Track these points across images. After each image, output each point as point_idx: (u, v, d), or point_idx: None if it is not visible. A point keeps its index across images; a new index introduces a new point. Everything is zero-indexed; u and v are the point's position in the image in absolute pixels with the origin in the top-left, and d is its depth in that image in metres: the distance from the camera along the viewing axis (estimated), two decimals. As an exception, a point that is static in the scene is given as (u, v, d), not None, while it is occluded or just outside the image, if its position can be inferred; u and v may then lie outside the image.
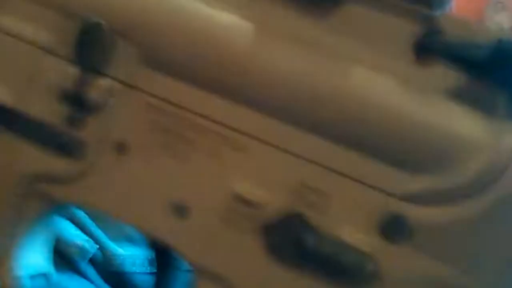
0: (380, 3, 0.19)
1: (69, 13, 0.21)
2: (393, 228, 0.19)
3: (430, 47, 0.19)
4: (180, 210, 0.21)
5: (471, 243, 0.19)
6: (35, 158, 0.22)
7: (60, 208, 0.24)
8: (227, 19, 0.20)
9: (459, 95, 0.19)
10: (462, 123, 0.19)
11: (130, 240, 0.45)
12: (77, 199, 0.23)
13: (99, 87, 0.21)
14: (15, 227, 0.23)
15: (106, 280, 0.48)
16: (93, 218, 0.42)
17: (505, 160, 0.19)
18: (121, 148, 0.21)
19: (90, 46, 0.20)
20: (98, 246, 0.43)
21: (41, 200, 0.23)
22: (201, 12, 0.20)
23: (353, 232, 0.20)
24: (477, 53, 0.18)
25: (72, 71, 0.21)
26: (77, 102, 0.21)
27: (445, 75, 0.19)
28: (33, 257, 0.26)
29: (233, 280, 0.21)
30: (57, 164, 0.22)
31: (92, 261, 0.43)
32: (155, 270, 0.27)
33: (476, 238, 0.19)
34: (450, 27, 0.19)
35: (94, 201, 0.22)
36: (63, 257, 0.41)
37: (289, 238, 0.20)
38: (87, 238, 0.43)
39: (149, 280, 0.43)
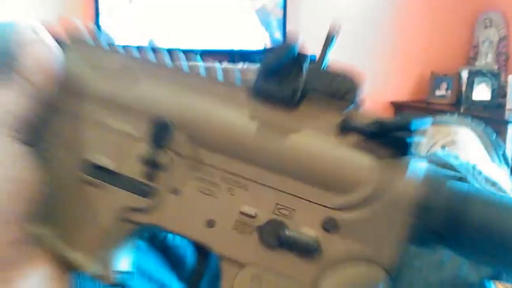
0: (317, 95, 0.35)
1: (148, 113, 0.36)
2: (328, 225, 0.34)
3: (347, 126, 0.34)
4: (211, 224, 0.36)
5: (374, 229, 0.33)
6: (125, 198, 0.36)
7: (143, 229, 0.38)
8: (240, 121, 0.36)
9: (362, 148, 0.34)
10: (361, 164, 0.34)
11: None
12: (153, 222, 0.36)
13: (166, 156, 0.36)
14: (114, 242, 0.37)
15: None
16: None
17: (387, 185, 0.33)
18: (177, 191, 0.36)
19: (163, 133, 0.35)
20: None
21: (130, 223, 0.36)
22: (229, 119, 0.36)
23: (307, 228, 0.34)
24: (370, 127, 0.34)
25: (148, 147, 0.36)
26: (152, 165, 0.35)
27: (354, 138, 0.34)
28: (125, 260, 0.39)
29: (242, 261, 0.35)
30: (139, 201, 0.36)
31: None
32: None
33: (376, 226, 0.33)
34: (360, 116, 0.35)
35: (164, 223, 0.36)
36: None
37: (273, 233, 0.34)
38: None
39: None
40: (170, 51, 0.39)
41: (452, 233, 0.33)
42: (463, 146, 0.89)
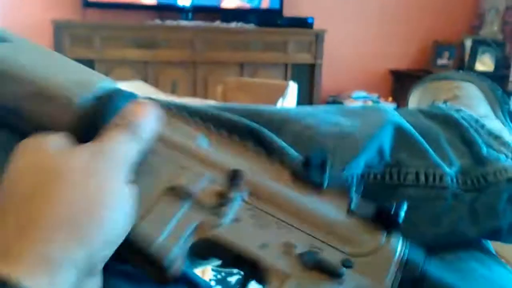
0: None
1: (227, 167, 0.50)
2: (346, 262, 0.47)
3: (351, 211, 0.50)
4: (264, 246, 0.46)
5: (375, 271, 0.47)
6: (201, 214, 0.47)
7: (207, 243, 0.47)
8: (285, 190, 0.50)
9: (363, 222, 0.49)
10: (363, 232, 0.49)
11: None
12: (218, 235, 0.46)
13: (233, 194, 0.48)
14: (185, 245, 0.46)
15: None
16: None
17: (382, 247, 0.48)
18: (238, 220, 0.47)
19: (237, 177, 0.48)
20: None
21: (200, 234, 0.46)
22: (277, 188, 0.50)
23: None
24: (367, 211, 0.50)
25: (224, 186, 0.48)
26: (223, 197, 0.47)
27: (358, 217, 0.50)
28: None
29: (288, 273, 0.45)
30: (211, 218, 0.46)
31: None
32: None
33: (376, 269, 0.47)
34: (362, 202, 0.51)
35: (226, 239, 0.46)
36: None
37: (309, 258, 0.46)
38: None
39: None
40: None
41: None
42: (466, 101, 0.86)
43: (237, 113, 0.66)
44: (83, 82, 0.49)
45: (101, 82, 0.49)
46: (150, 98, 0.53)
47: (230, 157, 0.51)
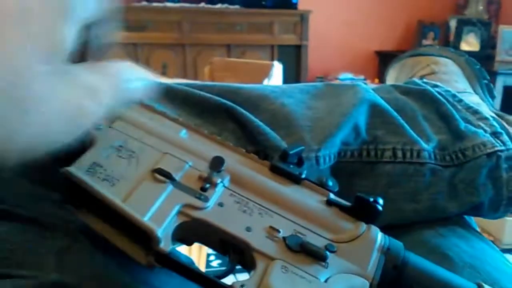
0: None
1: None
2: (329, 247, 0.47)
3: (330, 202, 0.50)
4: (248, 229, 0.46)
5: (357, 256, 0.47)
6: (185, 197, 0.46)
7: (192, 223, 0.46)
8: (265, 180, 0.51)
9: (341, 212, 0.50)
10: (341, 221, 0.49)
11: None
12: (203, 217, 0.46)
13: (216, 179, 0.48)
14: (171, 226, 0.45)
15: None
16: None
17: (362, 233, 0.49)
18: (221, 204, 0.47)
19: (219, 164, 0.49)
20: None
21: (185, 216, 0.46)
22: (258, 179, 0.51)
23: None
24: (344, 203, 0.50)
25: (203, 173, 0.48)
26: (207, 181, 0.47)
27: (337, 208, 0.50)
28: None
29: (273, 256, 0.45)
30: (195, 201, 0.46)
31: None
32: None
33: (358, 255, 0.47)
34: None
35: (212, 220, 0.46)
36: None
37: (294, 241, 0.46)
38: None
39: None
40: None
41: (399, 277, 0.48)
42: (444, 76, 0.85)
43: (215, 92, 0.66)
44: None
45: None
46: None
47: (211, 148, 0.52)
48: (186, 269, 0.44)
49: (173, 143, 0.51)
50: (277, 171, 0.52)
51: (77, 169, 0.45)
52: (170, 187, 0.47)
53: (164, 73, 4.37)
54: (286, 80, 3.08)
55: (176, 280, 0.51)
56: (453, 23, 4.16)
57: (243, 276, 0.44)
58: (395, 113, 0.70)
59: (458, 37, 4.09)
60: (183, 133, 0.53)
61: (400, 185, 0.68)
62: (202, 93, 0.65)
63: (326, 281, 0.45)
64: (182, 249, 0.58)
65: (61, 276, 0.45)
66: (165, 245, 0.43)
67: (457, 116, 0.72)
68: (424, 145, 0.68)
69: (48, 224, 0.49)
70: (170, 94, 0.64)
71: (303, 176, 0.52)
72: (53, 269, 0.45)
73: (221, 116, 0.64)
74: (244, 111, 0.63)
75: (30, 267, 0.45)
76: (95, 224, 0.46)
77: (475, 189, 0.70)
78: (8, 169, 0.46)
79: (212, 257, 2.28)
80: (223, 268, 0.46)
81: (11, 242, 0.47)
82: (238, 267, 0.47)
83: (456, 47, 4.00)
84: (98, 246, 0.48)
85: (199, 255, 1.99)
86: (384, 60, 4.48)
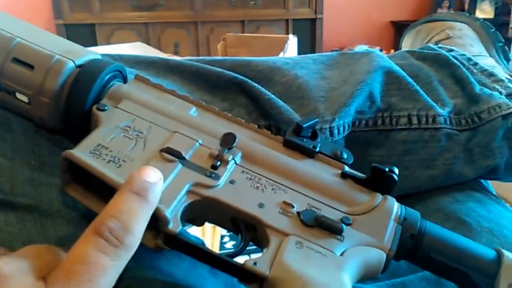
0: None
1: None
2: (344, 220, 0.46)
3: (345, 175, 0.50)
4: (261, 205, 0.45)
5: (374, 228, 0.47)
6: (194, 176, 0.45)
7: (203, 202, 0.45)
8: (278, 155, 0.50)
9: (356, 185, 0.50)
10: (357, 193, 0.49)
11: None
12: (214, 196, 0.45)
13: (227, 156, 0.47)
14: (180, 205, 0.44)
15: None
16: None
17: (378, 204, 0.48)
18: (233, 181, 0.46)
19: (231, 140, 0.48)
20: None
21: (195, 195, 0.44)
22: (270, 153, 0.50)
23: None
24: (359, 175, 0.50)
25: (214, 151, 0.47)
26: (217, 159, 0.46)
27: (351, 181, 0.50)
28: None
29: (287, 232, 0.45)
30: (205, 179, 0.45)
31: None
32: None
33: (375, 226, 0.47)
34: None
35: (223, 199, 0.45)
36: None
37: (309, 215, 0.46)
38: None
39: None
40: None
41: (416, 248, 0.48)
42: (459, 41, 0.85)
43: (226, 66, 0.65)
44: (71, 50, 0.50)
45: (86, 52, 0.50)
46: (142, 77, 0.52)
47: (222, 125, 0.51)
48: (196, 250, 0.43)
49: (182, 121, 0.50)
50: (290, 146, 0.51)
51: (80, 151, 0.43)
52: (179, 166, 0.46)
53: (176, 52, 4.36)
54: (301, 53, 3.05)
55: (185, 263, 0.51)
56: (468, -9, 4.11)
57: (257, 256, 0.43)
58: (410, 79, 0.69)
59: (473, 4, 4.03)
60: (193, 111, 0.52)
61: (415, 152, 0.67)
62: (213, 68, 0.64)
63: (342, 254, 0.44)
64: (195, 230, 0.57)
65: None
66: (174, 226, 0.42)
67: (472, 80, 0.71)
68: (440, 110, 0.68)
69: (49, 212, 0.47)
70: (180, 70, 0.64)
71: (317, 149, 0.51)
72: None
73: (233, 90, 0.63)
74: (256, 85, 0.63)
75: None
76: (100, 209, 0.43)
77: (491, 152, 0.69)
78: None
79: (226, 239, 2.28)
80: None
81: (9, 232, 0.45)
82: (252, 247, 0.46)
83: (471, 14, 3.95)
84: None
85: (212, 236, 1.99)
86: (399, 30, 4.43)
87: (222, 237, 2.28)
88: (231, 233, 0.48)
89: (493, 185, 0.77)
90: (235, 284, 0.56)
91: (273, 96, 0.62)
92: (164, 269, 0.49)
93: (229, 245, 2.35)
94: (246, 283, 0.43)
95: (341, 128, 0.63)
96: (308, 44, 4.64)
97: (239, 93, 0.63)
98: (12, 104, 0.49)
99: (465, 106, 0.69)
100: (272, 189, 0.47)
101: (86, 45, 0.53)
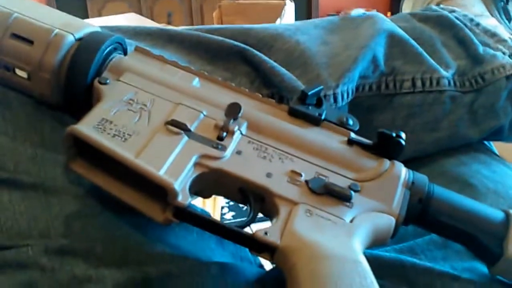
0: None
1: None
2: (353, 187, 0.46)
3: (351, 141, 0.49)
4: (269, 175, 0.45)
5: (382, 193, 0.47)
6: (201, 148, 0.45)
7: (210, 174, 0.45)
8: (283, 123, 0.50)
9: (362, 151, 0.50)
10: (363, 158, 0.49)
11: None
12: (221, 167, 0.45)
13: (232, 126, 0.47)
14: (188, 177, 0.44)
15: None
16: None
17: (386, 170, 0.48)
18: (240, 152, 0.46)
19: (236, 110, 0.47)
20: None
21: (202, 167, 0.44)
22: (276, 122, 0.50)
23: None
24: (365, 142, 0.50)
25: (219, 121, 0.47)
26: (223, 130, 0.46)
27: (358, 147, 0.50)
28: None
29: (296, 200, 0.45)
30: (212, 151, 0.45)
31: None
32: None
33: (383, 192, 0.47)
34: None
35: (230, 169, 0.45)
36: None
37: (318, 183, 0.46)
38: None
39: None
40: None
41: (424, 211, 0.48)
42: (460, 1, 0.84)
43: (227, 35, 0.65)
44: (70, 24, 0.49)
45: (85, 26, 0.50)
46: (143, 48, 0.52)
47: (226, 95, 0.51)
48: (207, 222, 0.43)
49: (186, 92, 0.49)
50: (296, 114, 0.51)
51: (84, 127, 0.43)
52: (185, 138, 0.45)
53: (169, 22, 4.33)
54: (297, 18, 3.03)
55: (193, 236, 0.51)
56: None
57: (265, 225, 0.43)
58: (413, 42, 0.68)
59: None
60: (196, 81, 0.51)
61: (420, 116, 0.67)
62: (213, 36, 0.63)
63: (351, 221, 0.45)
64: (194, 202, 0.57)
65: (70, 242, 0.44)
66: (183, 198, 0.42)
67: (475, 40, 0.71)
68: (444, 72, 0.67)
69: (54, 189, 0.46)
70: (180, 40, 0.63)
71: (323, 117, 0.51)
72: (61, 235, 0.44)
73: (234, 59, 0.62)
74: (257, 53, 0.62)
75: (36, 235, 0.44)
76: (106, 184, 0.44)
77: (495, 113, 0.69)
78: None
79: (225, 210, 2.30)
80: (239, 220, 0.44)
81: (15, 211, 0.45)
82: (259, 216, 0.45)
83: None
84: (109, 207, 0.46)
85: (213, 207, 2.00)
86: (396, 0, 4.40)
87: (221, 208, 2.30)
88: (230, 204, 0.49)
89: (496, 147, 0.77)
90: (242, 255, 0.56)
91: (275, 63, 0.61)
92: (172, 242, 0.48)
93: (229, 215, 2.37)
94: (257, 253, 0.43)
95: (345, 94, 0.62)
96: (304, 9, 4.61)
97: (240, 61, 0.62)
98: (12, 80, 0.48)
99: (469, 67, 0.69)
100: (279, 158, 0.47)
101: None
